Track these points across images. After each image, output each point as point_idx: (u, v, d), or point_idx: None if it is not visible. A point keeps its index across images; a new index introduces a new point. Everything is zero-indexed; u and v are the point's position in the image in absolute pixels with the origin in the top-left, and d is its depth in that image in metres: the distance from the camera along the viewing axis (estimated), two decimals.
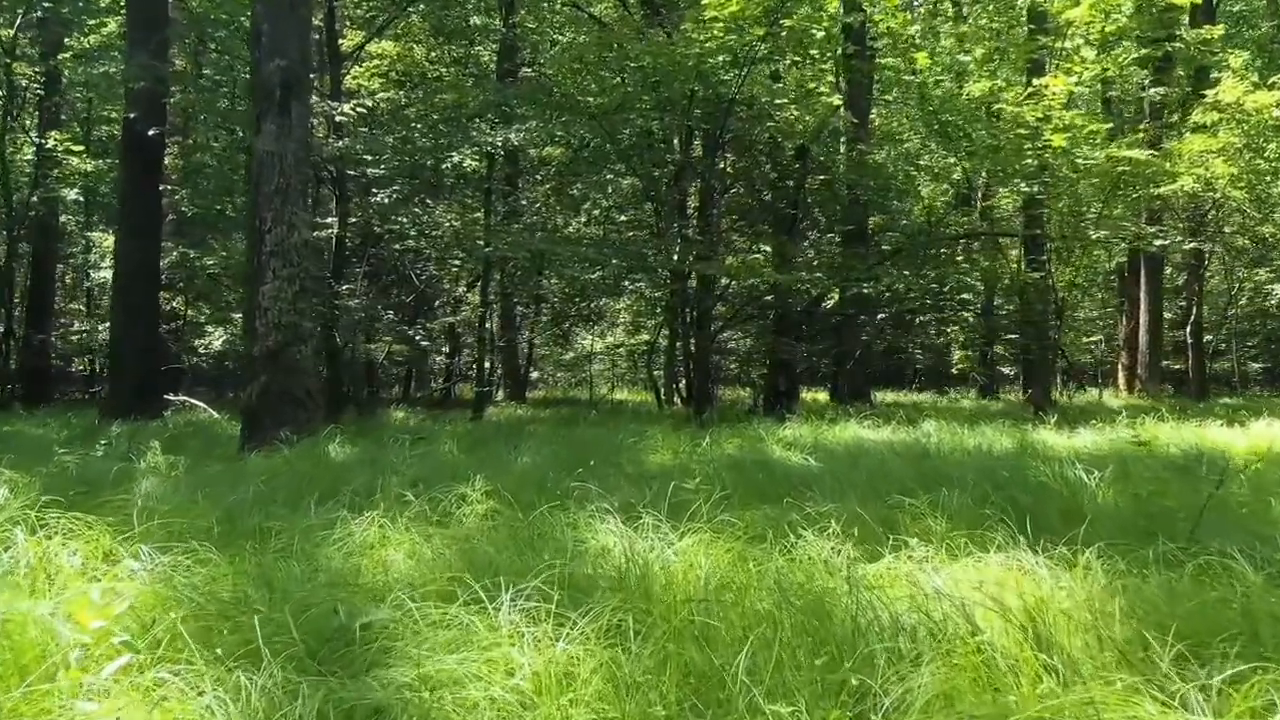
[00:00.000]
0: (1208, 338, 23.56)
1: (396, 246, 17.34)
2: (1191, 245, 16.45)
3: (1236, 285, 24.55)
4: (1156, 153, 12.84)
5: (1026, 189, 12.94)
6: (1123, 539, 5.53)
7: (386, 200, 14.94)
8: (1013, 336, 17.04)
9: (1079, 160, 12.71)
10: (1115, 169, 13.00)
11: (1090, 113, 13.40)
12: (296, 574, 4.23)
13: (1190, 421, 12.16)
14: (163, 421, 13.77)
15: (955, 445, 9.99)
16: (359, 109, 14.66)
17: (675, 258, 14.65)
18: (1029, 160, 12.93)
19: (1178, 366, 25.05)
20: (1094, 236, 13.03)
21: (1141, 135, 13.23)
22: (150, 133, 14.39)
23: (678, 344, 19.53)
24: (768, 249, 16.84)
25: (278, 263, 9.47)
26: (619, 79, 16.48)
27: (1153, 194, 13.82)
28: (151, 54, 14.32)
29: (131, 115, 14.77)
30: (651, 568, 4.64)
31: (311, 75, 18.06)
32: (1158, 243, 13.66)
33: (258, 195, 9.59)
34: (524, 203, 19.97)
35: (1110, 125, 14.28)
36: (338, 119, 14.60)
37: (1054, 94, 12.44)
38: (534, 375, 29.68)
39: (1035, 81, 12.75)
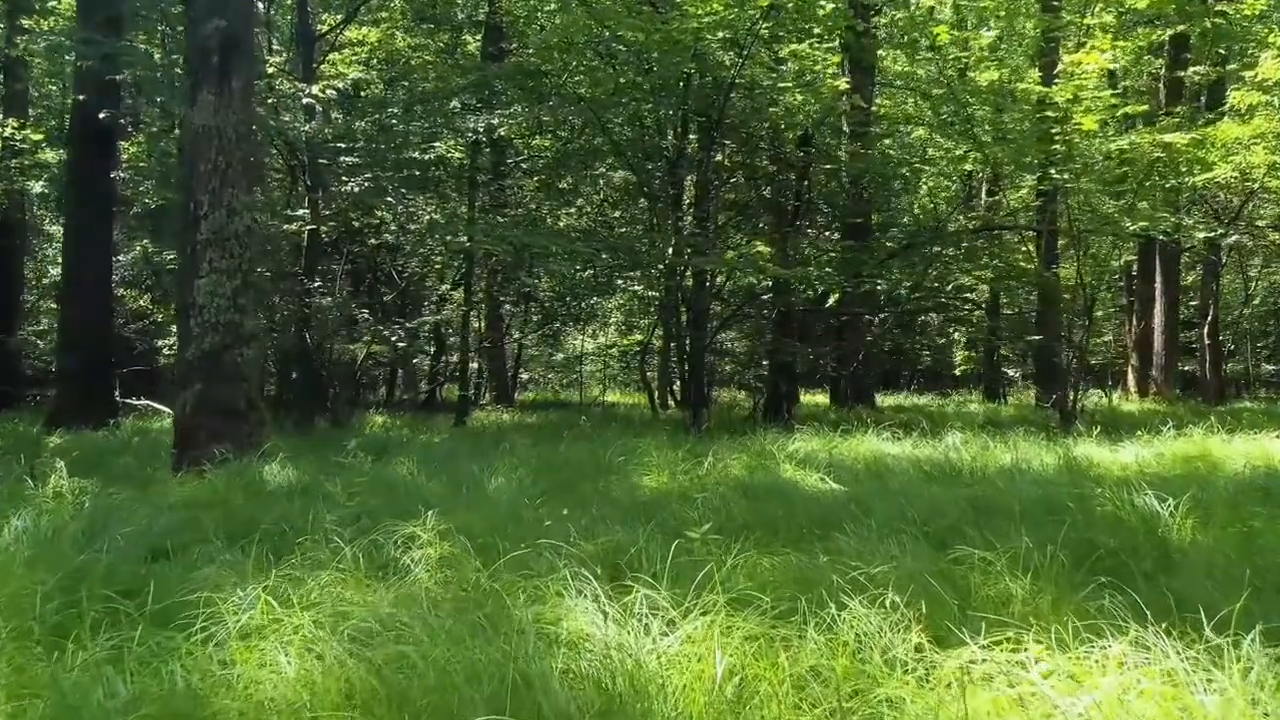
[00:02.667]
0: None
1: (372, 241, 15.88)
2: (1235, 238, 15.11)
3: (1254, 283, 23.17)
4: (1198, 137, 11.46)
5: (1056, 176, 11.57)
6: (1263, 607, 4.15)
7: (356, 189, 13.48)
8: (1036, 338, 15.64)
9: (1114, 145, 11.36)
10: (1151, 155, 11.62)
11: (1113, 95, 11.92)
12: (123, 694, 2.81)
13: (1238, 433, 10.77)
14: (111, 430, 12.33)
15: (989, 462, 8.61)
16: (329, 90, 13.20)
17: (670, 252, 13.23)
18: (1057, 146, 11.55)
19: (1187, 368, 23.72)
20: (1131, 228, 11.71)
21: (1176, 120, 11.86)
22: (101, 115, 12.93)
23: (672, 344, 18.14)
24: (765, 245, 15.41)
25: (215, 253, 8.05)
26: (610, 65, 15.04)
27: (1189, 184, 12.48)
28: (102, 29, 12.85)
29: (81, 97, 13.31)
30: (645, 667, 3.24)
31: (279, 57, 16.68)
32: (1200, 235, 12.33)
33: (192, 175, 8.16)
34: (510, 196, 18.52)
35: (1146, 108, 12.96)
36: (304, 100, 13.15)
37: (1086, 72, 11.05)
38: (524, 376, 28.23)
39: (1067, 59, 11.39)
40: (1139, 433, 10.37)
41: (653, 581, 3.72)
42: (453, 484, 7.27)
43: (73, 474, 7.65)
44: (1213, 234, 12.87)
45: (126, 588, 3.99)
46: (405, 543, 5.23)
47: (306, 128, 13.28)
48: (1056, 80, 11.28)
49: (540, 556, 4.89)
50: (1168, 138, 11.14)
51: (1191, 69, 13.28)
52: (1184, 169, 12.93)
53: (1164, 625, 3.62)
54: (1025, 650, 3.48)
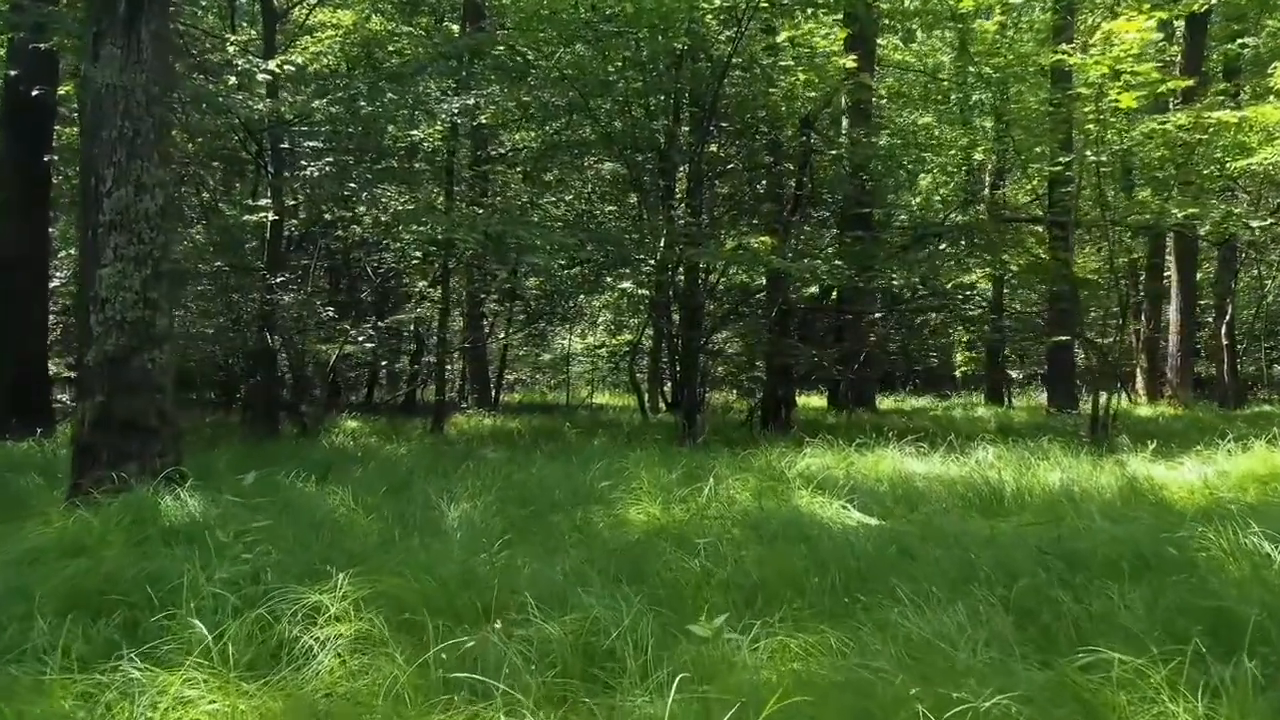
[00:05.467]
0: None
1: (339, 233, 14.41)
2: None
3: (1268, 281, 21.81)
4: (1249, 116, 10.11)
5: (1093, 158, 10.21)
6: None
7: (316, 174, 12.01)
8: (1062, 338, 14.27)
9: (1154, 125, 10.03)
10: (1191, 137, 10.28)
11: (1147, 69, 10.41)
12: None
13: None
14: (39, 440, 10.81)
15: (1035, 485, 7.22)
16: (287, 66, 11.72)
17: (662, 244, 11.80)
18: (1090, 126, 10.20)
19: (1196, 370, 22.36)
20: (1179, 215, 10.34)
21: (1221, 98, 10.51)
22: (34, 93, 11.44)
23: (663, 344, 16.75)
24: (765, 239, 14.00)
25: (120, 237, 6.60)
26: (598, 46, 13.56)
27: (1231, 169, 11.17)
28: None
29: (13, 73, 11.82)
30: None
31: (242, 36, 15.14)
32: (1253, 224, 11.03)
33: (93, 145, 6.71)
34: (491, 186, 17.06)
35: (1191, 82, 11.62)
36: (260, 77, 11.69)
37: (1127, 41, 9.68)
38: (511, 378, 26.76)
39: (1104, 26, 10.04)
40: (1196, 447, 8.98)
41: None
42: (398, 518, 5.84)
43: None
44: (1265, 225, 11.55)
45: None
46: (310, 615, 3.81)
47: (260, 106, 11.80)
48: (1093, 48, 9.89)
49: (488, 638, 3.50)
50: (1215, 115, 9.78)
51: (1238, 41, 11.93)
52: (1219, 154, 11.59)
53: None
54: None
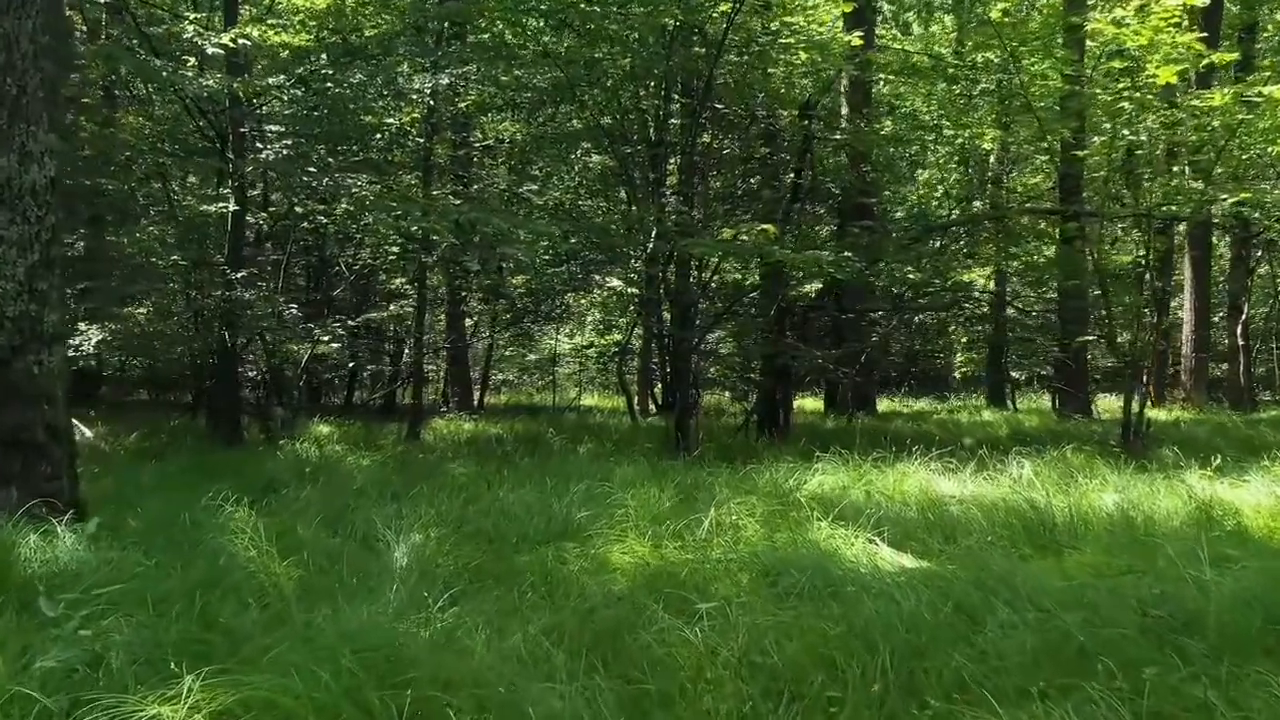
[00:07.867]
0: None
1: (306, 225, 13.20)
2: None
3: None
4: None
5: (1130, 136, 9.11)
6: None
7: (273, 157, 10.80)
8: (1087, 338, 13.16)
9: (1196, 103, 8.93)
10: (1233, 119, 9.15)
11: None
12: None
13: None
14: None
15: (1088, 509, 6.06)
16: (241, 40, 10.48)
17: (654, 233, 10.63)
18: (1124, 105, 9.08)
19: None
20: (1227, 201, 9.28)
21: (1267, 74, 9.40)
22: None
23: (653, 344, 15.60)
24: (766, 227, 12.84)
25: (0, 216, 5.39)
26: (585, 28, 12.35)
27: (1273, 154, 10.07)
28: None
29: None
30: None
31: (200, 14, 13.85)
32: None
33: None
34: (473, 177, 15.84)
35: (1236, 55, 10.54)
36: (210, 50, 10.46)
37: (1167, 8, 8.56)
38: (498, 378, 25.57)
39: None
40: (1262, 461, 7.84)
41: None
42: (325, 561, 4.65)
43: None
44: None
45: None
46: None
47: (211, 83, 10.57)
48: (1127, 18, 8.77)
49: None
50: (1267, 90, 8.65)
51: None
52: (1259, 139, 10.46)
53: None
54: None
